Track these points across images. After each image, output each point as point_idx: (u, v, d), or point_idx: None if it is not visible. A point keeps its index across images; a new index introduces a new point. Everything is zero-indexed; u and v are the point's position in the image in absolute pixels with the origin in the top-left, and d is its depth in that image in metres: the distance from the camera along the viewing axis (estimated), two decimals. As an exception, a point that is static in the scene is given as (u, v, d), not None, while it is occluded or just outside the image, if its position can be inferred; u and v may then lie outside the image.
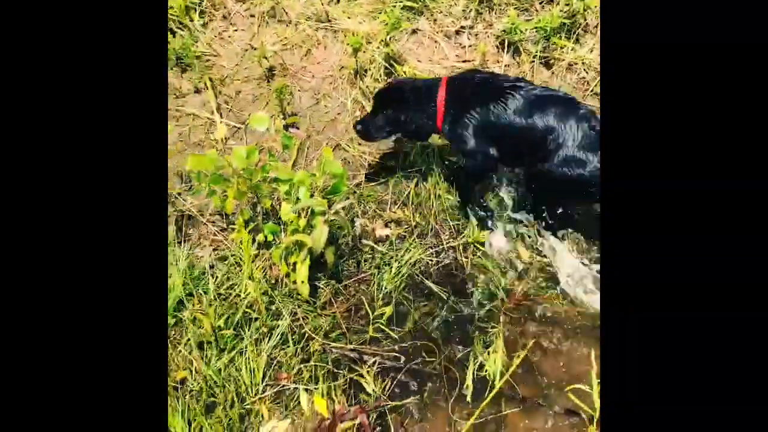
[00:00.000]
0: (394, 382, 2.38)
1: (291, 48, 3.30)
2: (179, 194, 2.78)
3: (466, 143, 2.61)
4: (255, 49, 3.23)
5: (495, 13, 3.61)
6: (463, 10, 3.57)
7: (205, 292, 2.48)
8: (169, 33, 3.18)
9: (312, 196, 2.44)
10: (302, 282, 2.41)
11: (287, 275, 2.50)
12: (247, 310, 2.43)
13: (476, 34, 3.53)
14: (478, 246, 2.76)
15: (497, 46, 3.48)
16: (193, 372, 2.33)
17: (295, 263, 2.43)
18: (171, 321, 2.41)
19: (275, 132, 2.44)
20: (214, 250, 2.64)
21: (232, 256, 2.59)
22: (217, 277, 2.55)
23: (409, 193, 2.90)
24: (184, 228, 2.69)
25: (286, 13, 3.36)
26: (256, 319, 2.42)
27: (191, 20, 3.22)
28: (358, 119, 2.80)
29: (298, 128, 3.00)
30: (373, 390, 2.34)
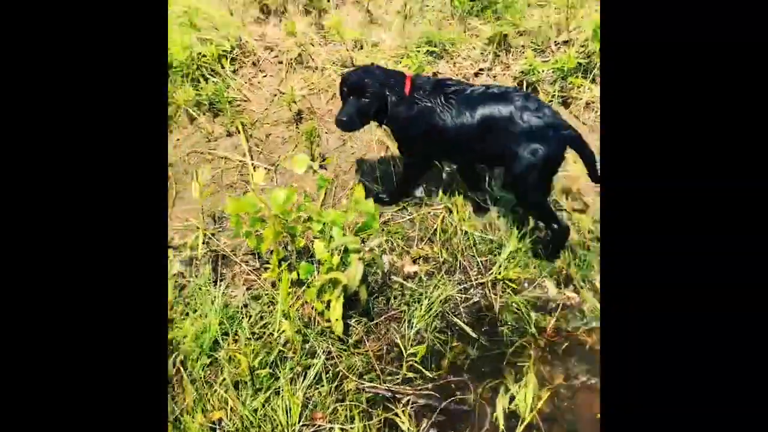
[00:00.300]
0: (429, 422, 2.38)
1: (318, 92, 3.42)
2: (213, 235, 2.85)
3: (411, 133, 2.75)
4: (283, 93, 3.35)
5: (512, 55, 3.72)
6: (481, 53, 3.70)
7: (239, 332, 2.52)
8: (202, 79, 3.30)
9: (344, 234, 2.50)
10: (336, 320, 2.45)
11: (320, 313, 2.54)
12: (281, 348, 2.46)
13: (494, 76, 3.64)
14: (508, 283, 2.79)
15: (517, 85, 3.58)
16: (229, 412, 2.34)
17: (329, 301, 2.47)
18: (206, 360, 2.44)
19: (312, 173, 2.52)
20: (247, 289, 2.69)
21: (265, 294, 2.64)
22: (250, 316, 2.59)
23: (435, 229, 2.95)
24: (218, 268, 2.74)
25: (313, 59, 3.49)
26: (291, 358, 2.44)
27: (223, 67, 3.36)
28: (337, 115, 2.71)
29: (325, 168, 3.09)
30: (408, 429, 2.34)
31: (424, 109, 2.70)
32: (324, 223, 2.53)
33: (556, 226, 2.82)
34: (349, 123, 2.68)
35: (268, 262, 2.75)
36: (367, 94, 2.66)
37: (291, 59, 3.48)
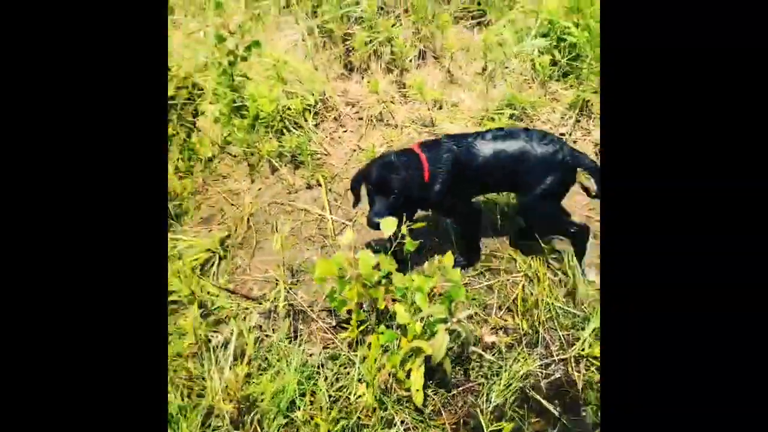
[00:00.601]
0: (509, 505, 2.27)
1: (397, 149, 3.43)
2: (290, 289, 2.84)
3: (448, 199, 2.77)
4: (363, 150, 3.38)
5: (593, 121, 3.68)
6: (562, 117, 3.67)
7: (316, 392, 2.48)
8: (285, 131, 3.37)
9: (429, 300, 2.45)
10: (417, 390, 2.38)
11: (397, 380, 2.48)
12: (359, 415, 2.40)
13: (575, 141, 3.60)
14: (592, 360, 2.68)
15: (596, 153, 3.52)
16: (306, 478, 2.29)
17: (409, 370, 2.41)
18: (282, 421, 2.40)
19: (401, 236, 2.50)
20: (324, 348, 2.66)
21: (343, 355, 2.60)
22: (326, 377, 2.55)
23: (515, 297, 2.88)
24: (295, 323, 2.72)
25: (393, 117, 3.52)
26: (369, 425, 2.38)
27: (306, 120, 3.42)
28: (369, 216, 2.64)
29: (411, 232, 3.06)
30: None
31: (446, 176, 2.74)
32: (408, 288, 2.49)
33: (573, 229, 2.91)
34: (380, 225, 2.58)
35: (344, 321, 2.72)
36: (394, 191, 2.63)
37: (371, 116, 3.52)
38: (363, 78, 3.67)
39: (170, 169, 3.34)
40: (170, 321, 2.65)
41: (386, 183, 2.63)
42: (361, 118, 3.53)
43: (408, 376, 2.42)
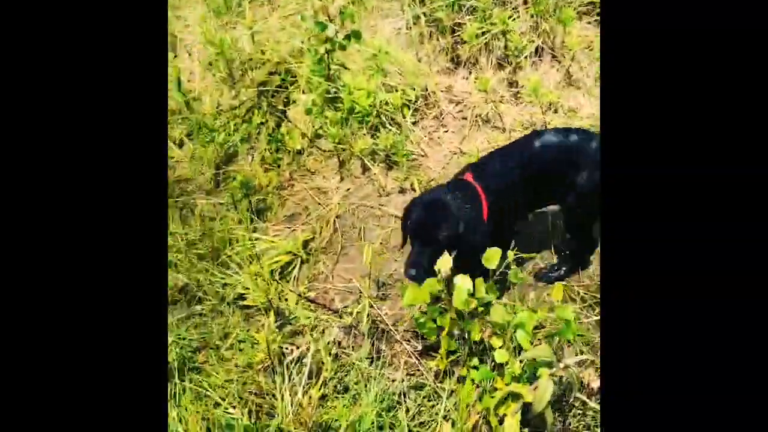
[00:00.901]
0: None
1: (502, 155, 3.09)
2: (373, 304, 2.58)
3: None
4: (464, 153, 3.07)
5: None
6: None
7: (395, 426, 2.22)
8: (381, 128, 3.11)
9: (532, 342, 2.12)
10: (511, 440, 2.06)
11: (487, 423, 2.17)
12: (442, 459, 2.12)
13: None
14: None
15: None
16: None
17: (503, 415, 2.09)
18: (355, 454, 2.16)
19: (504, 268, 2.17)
20: (408, 374, 2.39)
21: (428, 386, 2.32)
22: (408, 408, 2.28)
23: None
24: (377, 343, 2.47)
25: (501, 118, 3.17)
26: (452, 473, 2.09)
27: (404, 117, 3.14)
28: (408, 264, 2.19)
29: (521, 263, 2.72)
30: None
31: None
32: (507, 322, 2.17)
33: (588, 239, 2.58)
34: (420, 278, 2.12)
35: (432, 347, 2.43)
36: (440, 240, 2.16)
37: (477, 116, 3.19)
38: (471, 74, 3.33)
39: (257, 159, 3.20)
40: (243, 328, 2.48)
41: (429, 229, 2.17)
42: (464, 118, 3.21)
43: (501, 422, 2.10)
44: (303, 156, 3.20)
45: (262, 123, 3.26)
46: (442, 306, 2.17)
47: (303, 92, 3.26)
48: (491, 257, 2.09)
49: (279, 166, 3.15)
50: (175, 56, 3.61)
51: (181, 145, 3.28)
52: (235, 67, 3.41)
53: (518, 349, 2.16)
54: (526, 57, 3.26)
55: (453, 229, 2.19)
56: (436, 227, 2.17)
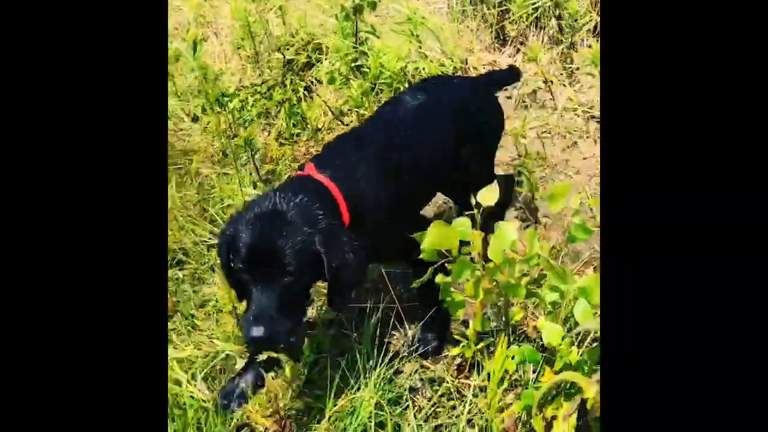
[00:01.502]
0: None
1: (553, 137, 2.62)
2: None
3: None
4: (507, 134, 2.61)
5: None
6: None
7: (402, 425, 1.63)
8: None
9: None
10: (563, 452, 1.45)
11: (530, 429, 1.58)
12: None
13: None
14: None
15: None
16: None
17: (553, 417, 1.50)
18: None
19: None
20: (422, 367, 1.82)
21: (448, 381, 1.74)
22: (420, 407, 1.70)
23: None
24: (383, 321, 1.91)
25: (553, 98, 2.72)
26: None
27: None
28: (249, 318, 1.49)
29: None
30: None
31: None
32: (562, 292, 1.61)
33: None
34: (270, 339, 1.47)
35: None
36: (288, 269, 1.49)
37: (524, 95, 2.75)
38: (518, 51, 2.93)
39: (273, 134, 2.85)
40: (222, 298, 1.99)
41: (269, 257, 1.48)
42: (509, 97, 2.77)
43: (550, 426, 1.50)
44: (323, 132, 2.81)
45: (283, 101, 2.91)
46: (474, 265, 1.63)
47: (328, 61, 2.90)
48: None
49: (296, 143, 2.77)
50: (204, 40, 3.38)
51: (195, 119, 3.00)
52: (262, 47, 3.12)
53: (574, 330, 1.59)
54: (583, 33, 2.83)
55: (305, 248, 1.51)
56: (279, 251, 1.48)
